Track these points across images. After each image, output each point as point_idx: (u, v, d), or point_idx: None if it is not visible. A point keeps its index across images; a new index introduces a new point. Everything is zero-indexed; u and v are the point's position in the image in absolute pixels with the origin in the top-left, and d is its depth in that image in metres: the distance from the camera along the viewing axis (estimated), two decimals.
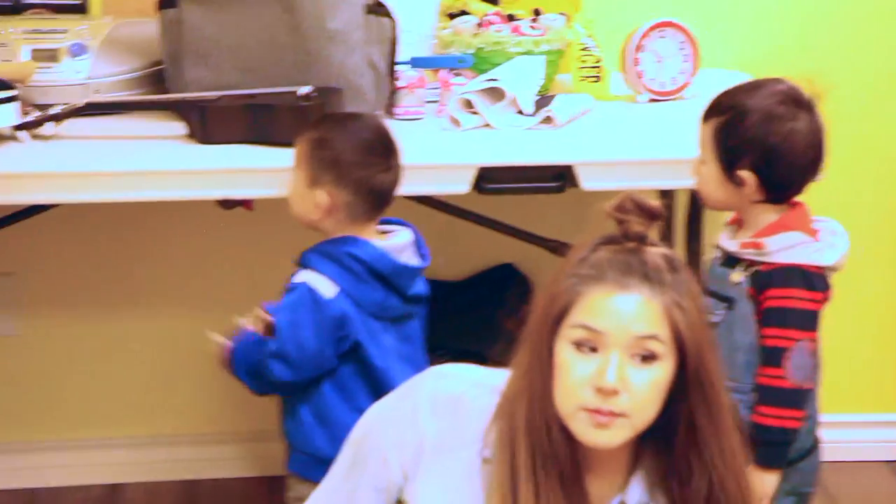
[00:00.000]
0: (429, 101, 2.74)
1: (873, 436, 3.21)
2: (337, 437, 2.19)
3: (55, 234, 3.03)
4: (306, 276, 2.26)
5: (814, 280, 2.17)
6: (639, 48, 2.81)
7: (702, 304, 1.66)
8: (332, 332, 2.25)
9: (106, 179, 2.44)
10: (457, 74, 2.76)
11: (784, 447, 2.17)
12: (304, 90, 2.53)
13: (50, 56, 2.71)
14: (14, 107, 2.51)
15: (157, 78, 2.76)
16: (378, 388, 2.25)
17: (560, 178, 2.45)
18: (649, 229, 1.65)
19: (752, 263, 2.18)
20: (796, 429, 2.17)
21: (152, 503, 3.08)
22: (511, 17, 2.85)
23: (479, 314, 2.99)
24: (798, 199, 2.22)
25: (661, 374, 1.62)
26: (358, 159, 2.25)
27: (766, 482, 2.17)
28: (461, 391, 1.72)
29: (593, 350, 1.62)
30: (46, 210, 2.66)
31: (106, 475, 3.13)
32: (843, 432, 3.20)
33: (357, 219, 2.28)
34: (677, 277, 1.63)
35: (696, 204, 2.81)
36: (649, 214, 1.64)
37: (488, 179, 2.43)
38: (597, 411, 1.61)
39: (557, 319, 1.64)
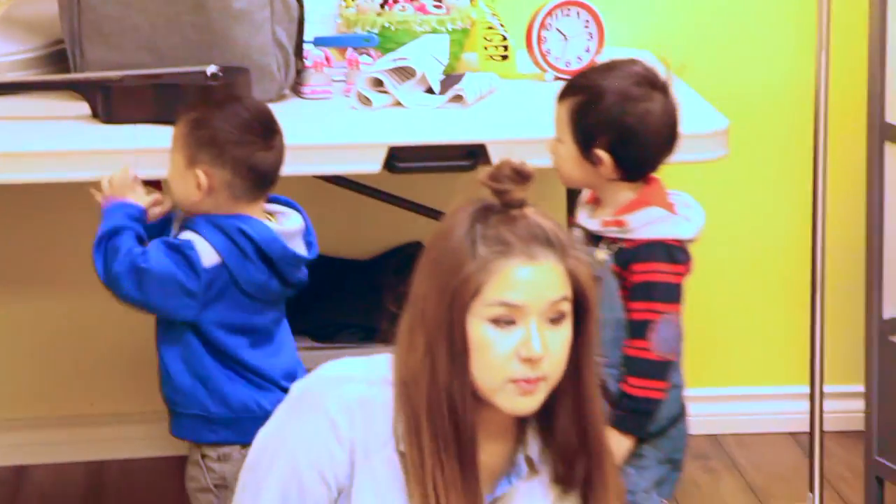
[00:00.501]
0: (335, 81, 2.74)
1: (779, 408, 3.26)
2: (220, 392, 2.26)
3: None
4: (193, 237, 2.24)
5: (675, 253, 2.23)
6: (543, 27, 2.83)
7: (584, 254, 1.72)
8: (181, 291, 2.23)
9: (9, 160, 2.41)
10: (363, 53, 2.75)
11: (646, 416, 2.23)
12: (211, 69, 2.52)
13: None
14: None
15: (58, 57, 2.73)
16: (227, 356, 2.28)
17: (472, 155, 2.46)
18: (526, 193, 1.67)
19: (614, 241, 2.24)
20: (660, 399, 2.23)
21: (59, 484, 3.06)
22: None
23: (387, 292, 3.00)
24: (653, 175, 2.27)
25: (568, 331, 1.67)
26: (236, 138, 2.24)
27: (622, 445, 2.23)
28: (362, 392, 1.70)
29: (510, 323, 1.65)
30: None
31: (12, 456, 3.10)
32: (749, 405, 3.27)
33: (239, 199, 2.25)
34: (565, 235, 1.67)
35: None
36: (526, 178, 1.66)
37: (399, 158, 2.44)
38: (525, 381, 1.64)
39: (469, 300, 1.64)
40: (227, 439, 2.27)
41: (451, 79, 2.70)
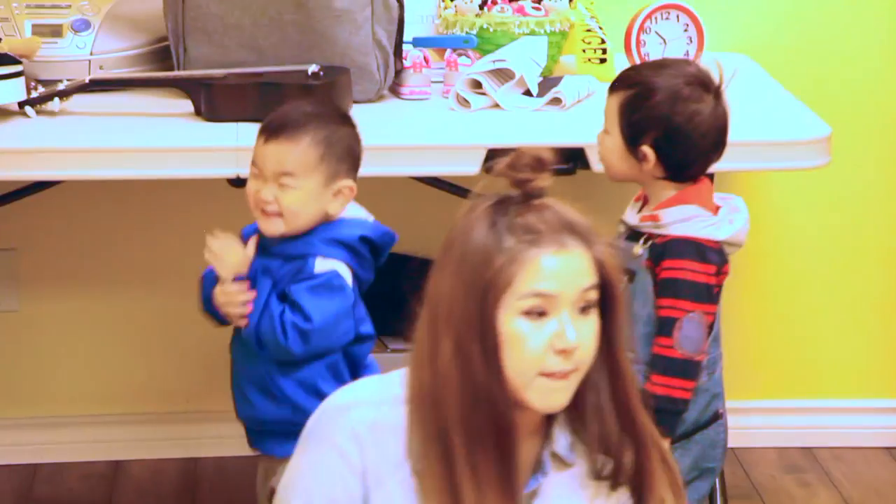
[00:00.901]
0: (434, 82, 2.74)
1: (876, 422, 3.22)
2: None
3: (58, 210, 3.03)
4: (330, 265, 2.22)
5: (707, 253, 2.21)
6: (643, 30, 2.82)
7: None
8: (345, 320, 2.24)
9: (112, 156, 2.44)
10: (461, 55, 2.76)
11: (671, 416, 2.22)
12: (312, 69, 2.53)
13: (53, 31, 2.71)
14: (20, 82, 2.51)
15: (160, 55, 2.76)
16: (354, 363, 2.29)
17: (570, 159, 2.46)
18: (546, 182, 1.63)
19: (651, 236, 2.23)
20: (685, 399, 2.21)
21: (154, 480, 3.08)
22: None
23: None
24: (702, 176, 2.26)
25: (596, 320, 1.63)
26: (355, 138, 2.26)
27: None
28: (371, 416, 1.65)
29: (542, 314, 1.60)
30: (51, 186, 2.66)
31: (108, 452, 3.13)
32: (845, 418, 3.22)
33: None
34: (587, 223, 1.63)
35: None
36: (545, 166, 1.63)
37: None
38: (560, 373, 1.60)
39: (500, 294, 1.59)
40: None
41: (549, 81, 2.70)
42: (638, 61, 2.81)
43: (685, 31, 2.82)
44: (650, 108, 2.19)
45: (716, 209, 2.26)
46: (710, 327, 2.24)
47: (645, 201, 2.29)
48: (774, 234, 3.17)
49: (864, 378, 3.22)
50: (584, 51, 2.83)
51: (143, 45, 2.75)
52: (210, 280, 2.28)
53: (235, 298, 2.21)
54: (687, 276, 2.20)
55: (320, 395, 2.22)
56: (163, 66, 2.75)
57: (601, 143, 2.28)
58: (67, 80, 2.57)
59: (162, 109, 2.60)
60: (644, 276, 2.23)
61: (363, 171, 2.48)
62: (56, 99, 2.54)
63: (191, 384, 3.13)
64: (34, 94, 2.53)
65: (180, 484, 3.07)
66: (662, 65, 2.28)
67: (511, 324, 1.60)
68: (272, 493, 2.23)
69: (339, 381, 2.24)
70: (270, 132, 2.21)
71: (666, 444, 2.18)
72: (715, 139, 2.22)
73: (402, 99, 2.70)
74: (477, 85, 2.65)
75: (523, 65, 2.66)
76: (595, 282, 1.62)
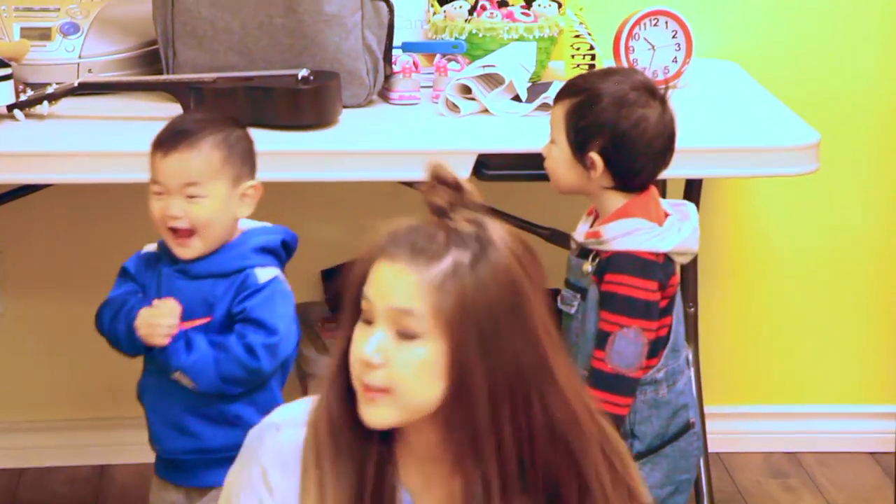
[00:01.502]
0: (423, 87, 2.74)
1: (860, 427, 3.23)
2: None
3: (43, 214, 3.02)
4: (270, 273, 2.19)
5: (649, 269, 2.20)
6: (631, 36, 2.82)
7: (496, 291, 1.53)
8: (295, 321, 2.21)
9: (101, 160, 2.44)
10: (451, 60, 2.76)
11: None
12: (302, 73, 2.53)
13: (42, 34, 2.71)
14: (9, 85, 2.50)
15: (150, 58, 2.76)
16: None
17: None
18: (454, 201, 1.59)
19: (598, 252, 2.23)
20: (615, 414, 2.18)
21: (139, 484, 3.08)
22: (503, 4, 2.86)
23: None
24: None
25: (424, 353, 1.53)
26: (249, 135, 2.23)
27: None
28: (296, 437, 1.61)
29: (369, 322, 1.56)
30: (38, 190, 2.65)
31: (93, 456, 3.12)
32: (830, 423, 3.24)
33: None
34: (467, 255, 1.53)
35: (690, 194, 2.81)
36: (451, 186, 1.60)
37: (487, 166, 2.44)
38: (364, 387, 1.55)
39: (356, 290, 1.57)
40: None
41: (538, 87, 2.70)
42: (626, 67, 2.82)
43: (674, 37, 2.83)
44: (596, 114, 2.18)
45: (664, 217, 2.24)
46: (659, 341, 2.22)
47: (596, 216, 2.28)
48: (758, 239, 3.19)
49: (848, 383, 3.24)
50: (572, 56, 2.83)
51: (133, 49, 2.75)
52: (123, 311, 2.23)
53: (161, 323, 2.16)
54: (624, 290, 2.19)
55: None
56: (152, 69, 2.74)
57: (548, 155, 2.26)
58: (56, 83, 2.57)
59: (151, 113, 2.59)
60: (594, 293, 2.23)
61: (354, 175, 2.49)
62: (45, 102, 2.53)
63: None
64: (23, 98, 2.53)
65: None
66: (609, 72, 2.27)
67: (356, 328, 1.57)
68: None
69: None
70: (168, 144, 2.16)
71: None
72: (662, 145, 2.21)
73: (392, 104, 2.70)
74: (466, 90, 2.65)
75: (513, 70, 2.66)
76: (411, 308, 1.52)
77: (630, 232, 2.20)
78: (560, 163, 2.23)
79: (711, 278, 3.13)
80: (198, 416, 2.22)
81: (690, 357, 2.32)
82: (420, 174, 2.49)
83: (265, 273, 2.17)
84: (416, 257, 1.54)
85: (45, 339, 3.09)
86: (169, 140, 2.17)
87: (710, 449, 2.90)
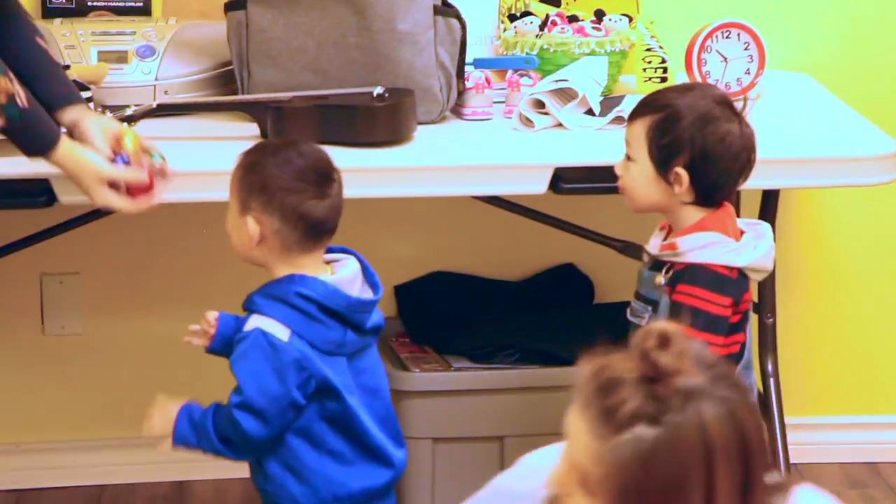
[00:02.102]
0: (495, 102, 2.76)
1: None
2: (311, 483, 2.16)
3: (124, 234, 3.06)
4: (257, 322, 2.14)
5: (723, 283, 2.19)
6: (703, 49, 2.82)
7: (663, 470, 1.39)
8: (294, 375, 2.13)
9: (181, 179, 2.46)
10: (523, 75, 2.77)
11: None
12: (377, 90, 2.55)
13: (119, 58, 2.74)
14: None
15: (224, 79, 2.79)
16: (344, 425, 2.18)
17: None
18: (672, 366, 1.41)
19: (672, 264, 2.22)
20: None
21: (218, 499, 3.11)
22: (574, 19, 2.87)
23: (542, 314, 3.02)
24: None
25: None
26: (286, 184, 2.13)
27: None
28: None
29: None
30: (113, 212, 2.68)
31: (173, 472, 3.16)
32: None
33: (290, 250, 2.15)
34: (651, 431, 1.39)
35: (768, 205, 2.81)
36: (669, 343, 1.42)
37: (564, 179, 2.45)
38: None
39: None
40: None
41: (610, 100, 2.71)
42: (699, 80, 2.82)
43: (746, 49, 2.83)
44: (681, 130, 2.18)
45: (739, 234, 2.24)
46: (731, 357, 2.21)
47: (669, 230, 2.28)
48: (837, 250, 3.17)
49: None
50: (644, 70, 2.84)
51: (208, 70, 2.78)
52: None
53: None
54: (697, 303, 2.19)
55: (291, 468, 2.17)
56: (227, 90, 2.77)
57: (624, 173, 2.25)
58: (134, 105, 2.60)
59: (228, 133, 2.63)
60: (666, 305, 2.23)
61: (430, 191, 2.51)
62: (125, 124, 2.56)
63: None
64: None
65: (244, 502, 3.09)
66: (687, 87, 2.27)
67: None
68: None
69: (321, 450, 2.18)
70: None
71: None
72: (745, 159, 2.21)
73: (465, 119, 2.72)
74: (539, 105, 2.66)
75: (585, 84, 2.67)
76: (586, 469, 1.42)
77: (706, 245, 2.20)
78: (640, 180, 2.23)
79: (790, 289, 3.12)
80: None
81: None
82: (496, 189, 2.53)
83: (251, 322, 2.15)
84: (601, 422, 1.41)
85: (124, 359, 3.13)
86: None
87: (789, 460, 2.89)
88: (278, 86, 2.65)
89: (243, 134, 2.61)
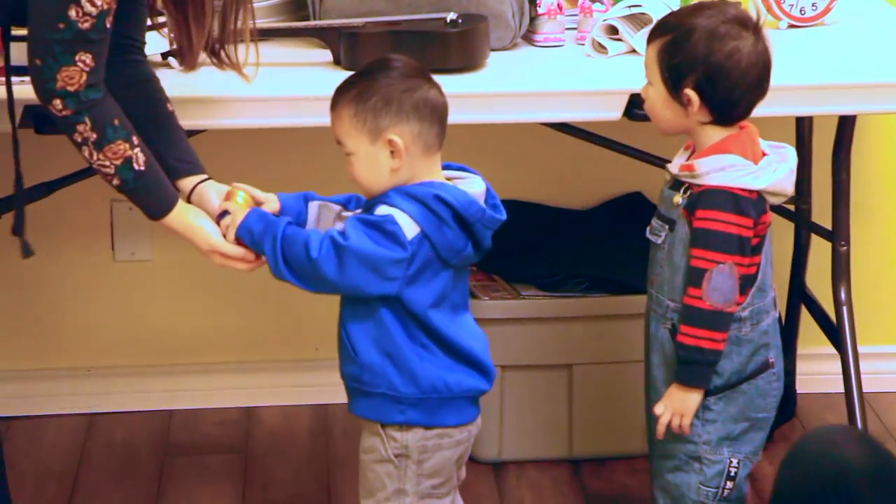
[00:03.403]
0: (568, 28, 2.73)
1: None
2: (411, 372, 2.17)
3: None
4: (390, 211, 2.14)
5: (742, 204, 2.19)
6: None
7: None
8: (396, 270, 2.14)
9: (255, 105, 2.46)
10: (595, 1, 2.74)
11: (702, 367, 2.22)
12: (451, 16, 2.53)
13: None
14: (163, 34, 2.53)
15: (296, 5, 2.78)
16: (433, 331, 2.19)
17: None
18: None
19: (690, 186, 2.21)
20: (714, 349, 2.21)
21: (287, 427, 3.13)
22: None
23: (610, 243, 3.01)
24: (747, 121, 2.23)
25: None
26: (405, 86, 2.15)
27: (686, 400, 2.24)
28: None
29: None
30: (193, 135, 2.69)
31: (242, 398, 3.18)
32: None
33: (430, 149, 2.16)
34: None
35: (844, 131, 2.78)
36: None
37: (639, 106, 2.42)
38: None
39: None
40: (414, 420, 2.20)
41: None
42: (774, 6, 2.78)
43: None
44: (689, 49, 2.18)
45: (760, 156, 2.23)
46: (747, 279, 2.22)
47: (693, 150, 2.27)
48: None
49: None
50: None
51: None
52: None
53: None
54: (718, 227, 2.18)
55: (391, 356, 2.18)
56: (297, 16, 2.76)
57: (646, 97, 2.25)
58: None
59: (300, 59, 2.62)
60: (683, 226, 2.23)
61: (507, 117, 2.50)
62: (217, 43, 2.55)
63: (321, 332, 3.16)
64: (175, 46, 2.55)
65: (313, 429, 3.11)
66: (700, 7, 2.24)
67: None
68: None
69: (416, 343, 2.18)
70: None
71: (697, 396, 2.22)
72: (758, 76, 2.20)
73: (537, 46, 2.70)
74: (612, 31, 2.64)
75: (658, 9, 2.63)
76: None
77: (724, 167, 2.20)
78: (657, 102, 2.24)
79: (864, 217, 3.10)
80: (340, 341, 2.26)
81: (775, 298, 2.31)
82: (571, 116, 2.51)
83: (386, 209, 2.15)
84: None
85: (193, 286, 3.15)
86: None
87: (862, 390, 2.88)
88: (350, 12, 2.63)
89: (315, 60, 2.60)
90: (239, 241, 2.23)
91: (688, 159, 2.26)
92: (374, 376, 2.21)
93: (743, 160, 2.21)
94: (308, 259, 2.14)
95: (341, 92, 2.18)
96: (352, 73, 2.23)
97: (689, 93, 2.19)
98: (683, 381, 2.23)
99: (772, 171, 2.22)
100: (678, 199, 2.23)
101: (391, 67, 2.17)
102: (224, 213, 2.27)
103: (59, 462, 3.00)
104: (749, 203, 2.20)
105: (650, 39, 2.24)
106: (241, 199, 2.26)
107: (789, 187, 2.25)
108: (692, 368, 2.22)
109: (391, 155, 2.15)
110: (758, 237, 2.23)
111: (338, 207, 2.29)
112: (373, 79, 2.16)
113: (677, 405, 2.24)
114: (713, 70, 2.17)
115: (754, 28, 2.20)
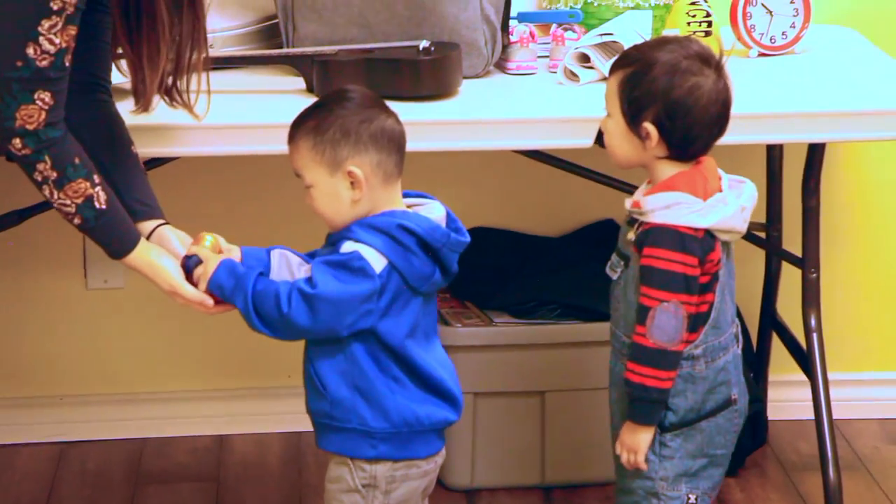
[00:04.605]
0: (540, 56, 2.75)
1: None
2: (381, 406, 2.16)
3: (169, 188, 3.05)
4: (355, 247, 2.13)
5: (687, 242, 2.17)
6: (749, 2, 2.81)
7: None
8: (369, 304, 2.13)
9: (227, 132, 2.47)
10: (567, 29, 2.76)
11: (648, 404, 2.21)
12: (423, 44, 2.55)
13: None
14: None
15: (269, 33, 2.79)
16: (405, 360, 2.18)
17: None
18: None
19: (641, 223, 2.21)
20: (658, 388, 2.20)
21: (259, 454, 3.12)
22: None
23: (583, 270, 3.01)
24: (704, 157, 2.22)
25: None
26: (361, 117, 2.13)
27: (636, 437, 2.24)
28: None
29: None
30: (164, 163, 2.69)
31: (214, 426, 3.18)
32: None
33: (390, 178, 2.15)
34: None
35: (813, 159, 2.80)
36: None
37: None
38: None
39: None
40: (385, 454, 2.19)
41: None
42: (744, 34, 2.81)
43: (791, 2, 2.81)
44: (649, 82, 2.16)
45: (711, 192, 2.20)
46: (698, 317, 2.21)
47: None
48: (882, 205, 3.17)
49: None
50: (688, 24, 2.82)
51: (252, 24, 2.78)
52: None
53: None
54: (662, 265, 2.17)
55: (361, 391, 2.16)
56: (271, 44, 2.77)
57: (604, 129, 2.24)
58: None
59: (273, 87, 2.63)
60: (636, 263, 2.22)
61: (478, 144, 2.51)
62: (170, 77, 2.56)
63: (293, 359, 3.15)
64: (131, 87, 2.55)
65: (285, 457, 3.11)
66: (662, 41, 2.24)
67: None
68: None
69: (388, 376, 2.17)
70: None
71: (647, 433, 2.23)
72: (717, 113, 2.19)
73: (509, 74, 2.71)
74: (584, 59, 2.66)
75: (630, 38, 2.66)
76: None
77: (670, 205, 2.18)
78: (615, 135, 2.22)
79: (834, 244, 3.12)
80: (306, 377, 2.24)
81: (740, 333, 2.31)
82: (542, 143, 2.53)
83: (351, 246, 2.13)
84: None
85: (166, 314, 3.14)
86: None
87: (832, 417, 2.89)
88: (323, 40, 2.65)
89: (288, 87, 2.61)
90: (209, 292, 2.22)
91: (644, 195, 2.26)
92: (345, 411, 2.19)
93: (690, 198, 2.19)
94: (280, 314, 2.14)
95: (298, 124, 2.17)
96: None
97: (648, 126, 2.18)
98: (634, 419, 2.23)
99: (721, 207, 2.20)
100: (631, 234, 2.23)
101: (347, 98, 2.16)
102: (190, 256, 2.25)
103: (30, 491, 2.98)
104: (694, 242, 2.18)
105: (612, 70, 2.23)
106: (209, 243, 2.24)
107: (739, 224, 2.23)
108: (639, 406, 2.22)
109: (351, 186, 2.13)
110: (707, 275, 2.22)
111: (298, 259, 2.26)
112: (329, 110, 2.15)
113: (629, 442, 2.25)
114: (673, 105, 2.16)
115: (716, 66, 2.19)
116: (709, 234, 2.20)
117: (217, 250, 2.25)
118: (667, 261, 2.17)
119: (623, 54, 2.25)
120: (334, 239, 2.17)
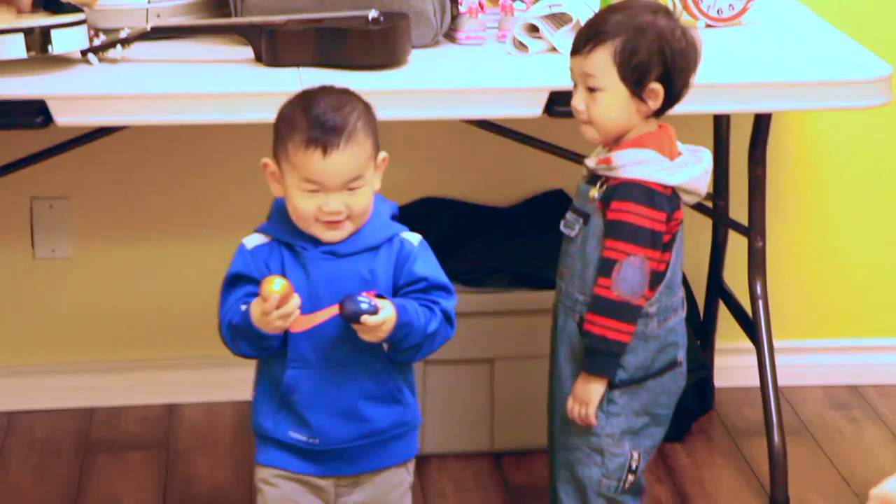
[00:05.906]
0: (489, 27, 2.75)
1: None
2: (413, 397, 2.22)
3: (116, 157, 3.05)
4: (413, 236, 2.19)
5: (656, 198, 2.23)
6: None
7: None
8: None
9: (176, 101, 2.46)
10: (515, 0, 2.77)
11: (607, 357, 2.25)
12: (372, 14, 2.55)
13: None
14: (82, 30, 2.52)
15: (217, 2, 2.77)
16: None
17: None
18: None
19: (606, 179, 2.26)
20: (619, 341, 2.24)
21: (209, 423, 3.13)
22: None
23: (532, 239, 3.03)
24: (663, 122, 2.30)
25: None
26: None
27: (590, 389, 2.27)
28: None
29: None
30: (112, 132, 2.68)
31: (164, 395, 3.18)
32: (891, 356, 3.26)
33: None
34: None
35: (759, 129, 2.83)
36: None
37: (559, 103, 2.45)
38: None
39: None
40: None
41: None
42: (692, 6, 2.82)
43: None
44: (648, 46, 2.22)
45: (676, 155, 2.27)
46: (657, 275, 2.26)
47: (606, 146, 2.31)
48: (827, 175, 3.20)
49: None
50: None
51: None
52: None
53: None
54: (631, 218, 2.22)
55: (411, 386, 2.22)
56: (218, 13, 2.76)
57: (594, 104, 2.25)
58: (128, 28, 2.59)
59: (221, 56, 2.62)
60: (597, 219, 2.26)
61: (427, 114, 2.51)
62: (118, 46, 2.56)
63: None
64: (96, 42, 2.55)
65: (236, 425, 3.11)
66: (624, 6, 2.27)
67: None
68: None
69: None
70: (328, 143, 2.06)
71: (601, 386, 2.26)
72: (695, 62, 2.27)
73: (459, 44, 2.72)
74: (533, 29, 2.66)
75: (579, 9, 2.67)
76: None
77: (641, 161, 2.24)
78: (612, 107, 2.25)
79: (780, 213, 3.15)
80: (371, 400, 2.16)
81: (685, 298, 2.35)
82: (492, 112, 2.53)
83: (412, 236, 2.17)
84: None
85: (114, 283, 3.13)
86: (326, 139, 2.06)
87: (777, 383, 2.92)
88: (272, 9, 2.64)
89: (236, 57, 2.61)
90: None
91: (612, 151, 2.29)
92: (413, 410, 2.22)
93: (659, 156, 2.25)
94: (446, 339, 2.18)
95: (353, 122, 2.10)
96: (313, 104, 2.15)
97: (655, 86, 2.23)
98: (590, 370, 2.26)
99: (687, 169, 2.26)
100: (594, 192, 2.26)
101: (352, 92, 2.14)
102: (360, 300, 2.09)
103: None
104: (663, 198, 2.24)
105: (591, 48, 2.24)
106: (279, 288, 2.10)
107: (703, 187, 2.29)
108: (597, 358, 2.25)
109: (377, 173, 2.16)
110: (669, 234, 2.26)
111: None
112: (358, 100, 2.14)
113: (581, 394, 2.28)
114: (675, 58, 2.23)
115: (674, 12, 2.29)
116: (674, 193, 2.25)
117: (289, 292, 2.12)
118: (635, 215, 2.21)
119: (595, 29, 2.26)
120: (377, 242, 2.14)
